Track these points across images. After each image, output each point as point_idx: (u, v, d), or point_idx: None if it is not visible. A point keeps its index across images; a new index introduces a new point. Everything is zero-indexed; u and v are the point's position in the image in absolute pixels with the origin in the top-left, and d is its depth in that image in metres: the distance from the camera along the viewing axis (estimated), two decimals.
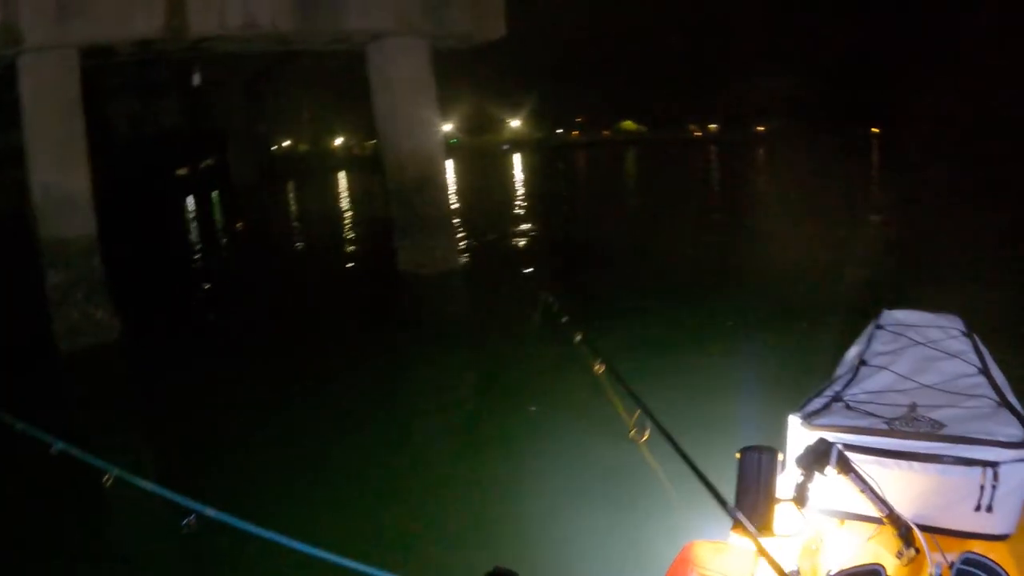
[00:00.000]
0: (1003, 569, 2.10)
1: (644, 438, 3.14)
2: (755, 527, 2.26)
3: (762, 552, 2.22)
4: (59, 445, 3.09)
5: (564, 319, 4.15)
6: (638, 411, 3.20)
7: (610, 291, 13.84)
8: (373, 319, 13.65)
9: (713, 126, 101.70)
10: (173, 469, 7.86)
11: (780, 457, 2.45)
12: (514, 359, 10.46)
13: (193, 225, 33.68)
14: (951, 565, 2.12)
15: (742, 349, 10.11)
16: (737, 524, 2.30)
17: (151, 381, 11.25)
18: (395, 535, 6.11)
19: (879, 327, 3.93)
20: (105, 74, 23.56)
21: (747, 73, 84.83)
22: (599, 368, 3.74)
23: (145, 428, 9.60)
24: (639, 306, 12.51)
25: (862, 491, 2.38)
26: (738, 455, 2.42)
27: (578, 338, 3.98)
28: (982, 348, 3.57)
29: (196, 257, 24.29)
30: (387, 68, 16.12)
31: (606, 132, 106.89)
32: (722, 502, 2.34)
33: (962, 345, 3.58)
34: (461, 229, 18.31)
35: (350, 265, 20.24)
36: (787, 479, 2.54)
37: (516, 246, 20.69)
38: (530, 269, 16.91)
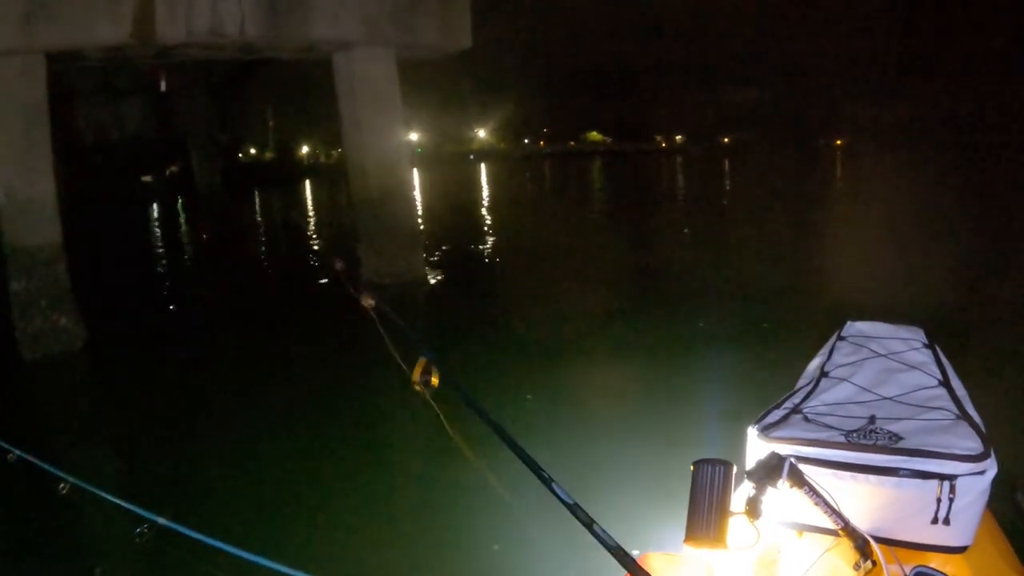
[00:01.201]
0: None
1: (434, 383, 2.96)
2: (708, 539, 2.22)
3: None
4: (16, 453, 3.09)
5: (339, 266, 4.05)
6: (423, 359, 3.03)
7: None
8: (332, 330, 13.63)
9: (679, 137, 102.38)
10: (133, 478, 7.83)
11: (735, 470, 2.37)
12: None
13: (158, 233, 33.43)
14: None
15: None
16: (688, 536, 2.26)
17: (115, 389, 11.19)
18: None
19: (841, 338, 3.94)
20: (69, 78, 23.35)
21: (712, 85, 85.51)
22: (368, 303, 3.65)
23: (107, 436, 9.48)
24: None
25: (816, 504, 2.37)
26: (692, 467, 2.35)
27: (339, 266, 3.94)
28: (943, 360, 3.57)
29: (161, 265, 24.10)
30: (354, 77, 16.10)
31: (572, 143, 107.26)
32: (535, 466, 2.25)
33: (923, 357, 3.59)
34: (426, 240, 18.30)
35: (315, 276, 20.18)
36: (743, 492, 2.48)
37: (479, 258, 20.77)
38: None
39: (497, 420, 2.53)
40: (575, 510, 2.10)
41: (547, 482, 2.22)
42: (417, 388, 2.99)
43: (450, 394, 2.93)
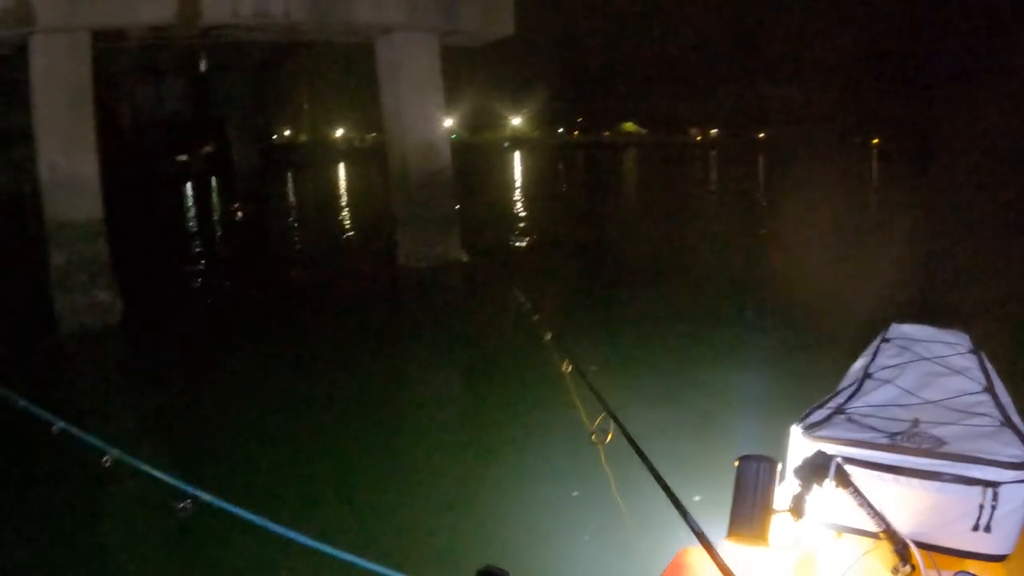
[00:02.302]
0: None
1: (607, 440, 3.04)
2: (750, 537, 2.26)
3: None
4: (60, 424, 3.09)
5: (535, 317, 4.12)
6: (603, 414, 3.10)
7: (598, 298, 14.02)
8: (370, 312, 13.68)
9: (714, 131, 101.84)
10: (173, 451, 7.87)
11: (779, 467, 2.42)
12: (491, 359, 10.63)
13: (194, 211, 33.66)
14: None
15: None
16: (731, 532, 2.29)
17: (152, 363, 11.25)
18: (387, 528, 6.12)
19: (886, 340, 3.92)
20: (108, 57, 23.54)
21: (750, 80, 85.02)
22: (567, 368, 3.66)
23: (146, 410, 9.55)
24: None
25: (859, 505, 2.37)
26: (736, 464, 2.39)
27: (547, 337, 3.96)
28: (988, 366, 3.54)
29: (198, 242, 24.27)
30: (396, 62, 16.14)
31: (607, 133, 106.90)
32: (682, 511, 2.26)
33: (968, 362, 3.56)
34: (461, 224, 18.35)
35: (348, 256, 20.24)
36: (786, 490, 2.52)
37: (514, 244, 20.78)
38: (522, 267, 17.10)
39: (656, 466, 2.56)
40: (702, 538, 2.11)
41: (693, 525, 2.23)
42: (594, 440, 3.05)
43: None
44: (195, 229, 27.33)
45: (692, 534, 2.11)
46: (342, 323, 12.74)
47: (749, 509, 2.30)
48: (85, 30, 12.37)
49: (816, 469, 2.33)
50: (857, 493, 2.36)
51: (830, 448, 2.61)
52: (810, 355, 9.01)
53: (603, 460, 3.08)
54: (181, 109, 40.95)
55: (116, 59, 27.13)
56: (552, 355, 3.75)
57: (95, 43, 12.66)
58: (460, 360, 11.22)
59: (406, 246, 16.79)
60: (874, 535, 2.47)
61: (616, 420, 3.02)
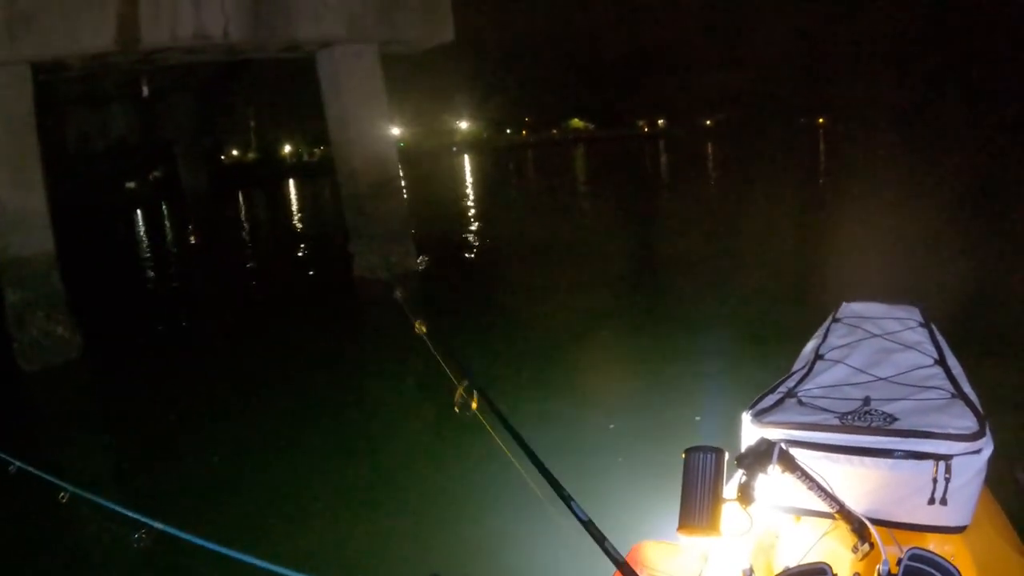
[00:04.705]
0: (949, 562, 2.09)
1: (474, 406, 3.00)
2: (701, 527, 2.19)
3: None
4: (16, 464, 3.13)
5: (398, 293, 4.12)
6: (465, 382, 3.06)
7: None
8: (326, 328, 13.65)
9: (661, 121, 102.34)
10: (132, 485, 7.86)
11: (727, 456, 2.33)
12: None
13: (146, 239, 33.36)
14: (899, 561, 2.11)
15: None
16: (681, 524, 2.23)
17: (113, 398, 11.22)
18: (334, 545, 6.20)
19: (836, 320, 3.91)
20: (51, 86, 23.28)
21: (693, 68, 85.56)
22: (421, 329, 3.69)
23: (105, 445, 9.51)
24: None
25: (810, 488, 2.35)
26: (683, 455, 2.32)
27: (397, 294, 3.97)
28: (939, 338, 3.54)
29: (152, 271, 24.08)
30: (338, 75, 16.15)
31: (554, 131, 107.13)
32: (556, 485, 2.29)
33: (919, 336, 3.56)
34: (414, 233, 18.33)
35: (304, 273, 20.20)
36: (735, 478, 2.45)
37: (469, 250, 20.86)
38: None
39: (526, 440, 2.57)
40: (589, 527, 2.15)
41: (567, 500, 2.27)
42: (456, 409, 3.02)
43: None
44: (149, 258, 27.06)
45: (650, 524, 2.13)
46: (299, 345, 12.65)
47: (698, 500, 2.23)
48: (24, 63, 12.27)
49: (759, 456, 2.29)
50: (805, 476, 2.34)
51: (780, 433, 2.63)
52: None
53: (497, 438, 2.95)
54: (128, 135, 40.51)
55: (59, 88, 26.84)
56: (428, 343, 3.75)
57: (36, 74, 12.57)
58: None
59: (361, 258, 16.80)
60: (832, 516, 2.46)
61: (475, 386, 3.02)
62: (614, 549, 2.06)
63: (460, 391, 3.05)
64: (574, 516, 2.20)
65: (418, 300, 14.98)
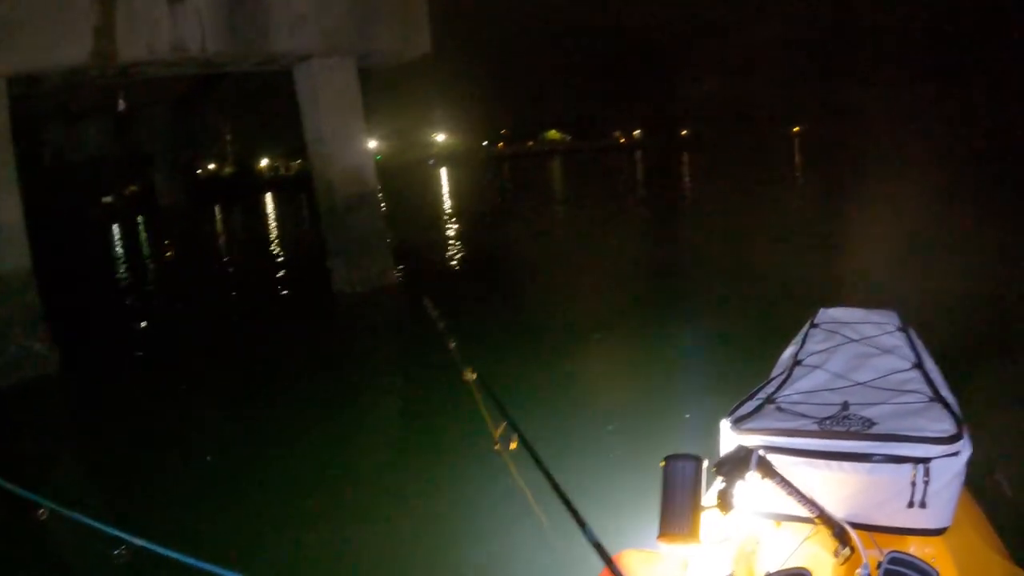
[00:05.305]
0: (928, 565, 2.14)
1: (512, 448, 2.99)
2: (682, 535, 2.25)
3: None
4: None
5: (441, 325, 4.08)
6: (504, 423, 3.08)
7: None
8: (305, 345, 13.60)
9: (637, 132, 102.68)
10: (111, 501, 7.81)
11: (706, 464, 2.40)
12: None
13: (123, 253, 33.17)
14: (879, 565, 2.16)
15: None
16: (662, 533, 2.28)
17: (91, 413, 11.12)
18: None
19: (815, 326, 3.92)
20: (27, 100, 23.18)
21: (669, 79, 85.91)
22: (471, 376, 3.60)
23: (85, 460, 9.48)
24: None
25: (789, 493, 2.37)
26: (662, 464, 2.36)
27: (452, 345, 3.96)
28: (917, 342, 3.56)
29: (129, 285, 23.93)
30: (315, 88, 16.15)
31: (531, 143, 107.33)
32: (580, 522, 2.22)
33: (897, 340, 3.58)
34: (394, 246, 18.31)
35: (283, 288, 20.12)
36: (715, 486, 2.48)
37: (448, 262, 20.88)
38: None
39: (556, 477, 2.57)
40: (599, 548, 2.16)
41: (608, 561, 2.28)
42: (497, 449, 3.03)
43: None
44: (126, 273, 26.90)
45: (637, 537, 2.13)
46: (279, 361, 12.62)
47: (678, 508, 2.29)
48: (0, 77, 12.22)
49: (737, 463, 2.32)
50: (784, 482, 2.36)
51: (759, 439, 2.64)
52: None
53: (513, 471, 3.04)
54: (105, 149, 40.35)
55: (36, 102, 26.72)
56: (457, 363, 3.76)
57: (11, 88, 12.50)
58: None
59: (339, 272, 16.77)
60: (812, 521, 2.48)
61: (516, 428, 3.02)
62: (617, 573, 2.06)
63: (501, 430, 3.05)
64: (589, 542, 2.20)
65: (404, 311, 15.23)
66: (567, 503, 2.36)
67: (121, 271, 27.20)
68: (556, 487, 2.49)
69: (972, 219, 18.13)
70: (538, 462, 2.73)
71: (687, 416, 7.77)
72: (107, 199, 46.02)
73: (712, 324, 11.54)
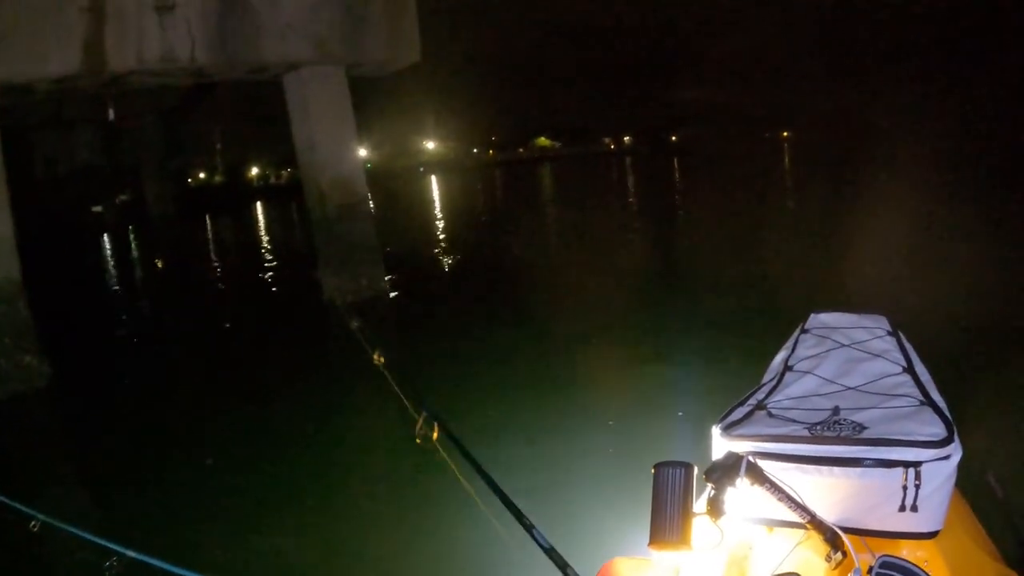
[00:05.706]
0: (921, 568, 2.12)
1: (434, 437, 3.03)
2: (673, 542, 2.22)
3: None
4: None
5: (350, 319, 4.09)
6: (424, 414, 3.09)
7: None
8: (294, 357, 13.56)
9: (627, 138, 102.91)
10: (102, 514, 7.79)
11: (696, 471, 2.35)
12: None
13: (113, 264, 33.08)
14: (870, 569, 2.14)
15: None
16: (652, 540, 2.25)
17: (82, 425, 11.08)
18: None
19: (805, 331, 3.91)
20: (15, 110, 23.10)
21: (658, 85, 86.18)
22: (379, 359, 3.66)
23: (76, 473, 9.43)
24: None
25: (780, 499, 2.36)
26: (652, 470, 2.33)
27: (354, 325, 3.93)
28: (907, 346, 3.55)
29: (119, 297, 23.89)
30: (306, 97, 16.14)
31: (521, 150, 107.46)
32: (518, 513, 2.29)
33: (887, 344, 3.56)
34: (385, 255, 18.30)
35: (275, 298, 20.09)
36: (706, 492, 2.43)
37: (440, 271, 20.88)
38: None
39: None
40: (551, 554, 2.16)
41: (528, 528, 2.28)
42: (418, 440, 3.05)
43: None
44: (116, 284, 26.85)
45: (622, 542, 2.14)
46: (270, 372, 12.59)
47: (669, 515, 2.25)
48: None
49: (727, 469, 2.30)
50: (775, 488, 2.35)
51: (749, 446, 2.63)
52: None
53: (454, 467, 3.02)
54: (94, 159, 40.27)
55: (26, 112, 26.69)
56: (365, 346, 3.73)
57: (1, 98, 12.48)
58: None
59: (330, 282, 16.71)
60: (804, 527, 2.46)
61: (436, 417, 3.04)
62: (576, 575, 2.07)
63: (420, 422, 3.07)
64: (537, 544, 2.20)
65: (389, 324, 15.19)
66: (502, 496, 2.42)
67: (111, 281, 27.13)
68: (479, 469, 2.51)
69: (967, 220, 18.20)
70: (464, 451, 2.80)
71: (680, 414, 7.83)
72: (97, 208, 45.86)
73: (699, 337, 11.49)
